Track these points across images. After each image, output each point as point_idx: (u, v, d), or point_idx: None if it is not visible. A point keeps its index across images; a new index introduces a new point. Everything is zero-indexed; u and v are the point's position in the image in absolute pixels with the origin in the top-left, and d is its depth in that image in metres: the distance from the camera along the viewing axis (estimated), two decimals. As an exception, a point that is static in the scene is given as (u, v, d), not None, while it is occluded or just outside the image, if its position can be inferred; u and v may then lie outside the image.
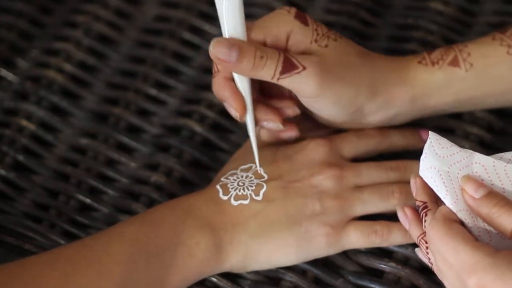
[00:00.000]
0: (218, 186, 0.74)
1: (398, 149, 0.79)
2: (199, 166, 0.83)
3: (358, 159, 0.77)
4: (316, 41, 0.71)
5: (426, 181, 0.68)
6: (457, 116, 0.83)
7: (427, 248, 0.68)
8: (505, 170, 0.67)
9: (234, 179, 0.74)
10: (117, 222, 0.75)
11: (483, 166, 0.67)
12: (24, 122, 0.86)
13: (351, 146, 0.77)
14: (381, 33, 0.90)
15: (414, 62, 0.74)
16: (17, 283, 0.65)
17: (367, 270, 0.74)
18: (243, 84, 0.72)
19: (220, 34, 0.91)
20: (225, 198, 0.73)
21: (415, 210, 0.71)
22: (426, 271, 0.73)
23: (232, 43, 0.69)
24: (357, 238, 0.73)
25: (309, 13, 0.92)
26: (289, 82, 0.70)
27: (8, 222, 0.78)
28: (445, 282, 0.66)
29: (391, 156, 0.79)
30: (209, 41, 0.89)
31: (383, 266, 0.74)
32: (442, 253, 0.64)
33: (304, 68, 0.69)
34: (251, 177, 0.74)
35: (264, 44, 0.71)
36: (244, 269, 0.73)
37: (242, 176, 0.75)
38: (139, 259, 0.68)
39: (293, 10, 0.72)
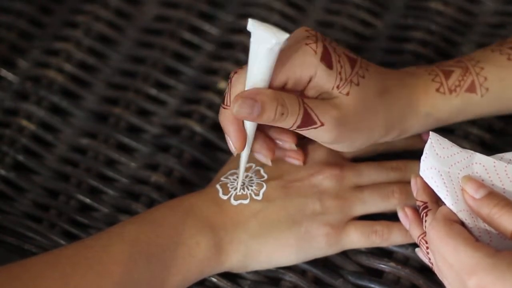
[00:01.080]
0: (218, 186, 0.74)
1: (399, 149, 0.79)
2: (199, 166, 0.83)
3: (358, 159, 0.77)
4: (338, 87, 0.69)
5: (427, 181, 0.68)
6: (457, 116, 0.83)
7: (427, 248, 0.68)
8: (505, 171, 0.67)
9: (234, 179, 0.74)
10: (117, 222, 0.75)
11: (483, 166, 0.67)
12: (24, 122, 0.86)
13: (351, 146, 0.77)
14: (381, 33, 0.90)
15: (432, 89, 0.73)
16: (17, 283, 0.65)
17: (367, 270, 0.75)
18: (251, 124, 0.70)
19: (219, 35, 0.91)
20: (225, 197, 0.73)
21: (416, 210, 0.71)
22: (426, 271, 0.73)
23: (255, 100, 0.66)
24: (357, 238, 0.73)
25: (309, 13, 0.92)
26: (305, 133, 0.69)
27: (8, 222, 0.78)
28: (445, 282, 0.66)
29: (392, 156, 0.79)
30: (209, 41, 0.91)
31: (383, 266, 0.74)
32: (443, 254, 0.64)
33: (322, 124, 0.68)
34: (251, 177, 0.74)
35: (285, 85, 0.68)
36: (244, 269, 0.73)
37: (242, 176, 0.75)
38: (140, 259, 0.68)
39: (320, 51, 0.68)
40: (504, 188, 0.67)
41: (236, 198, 0.73)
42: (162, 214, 0.72)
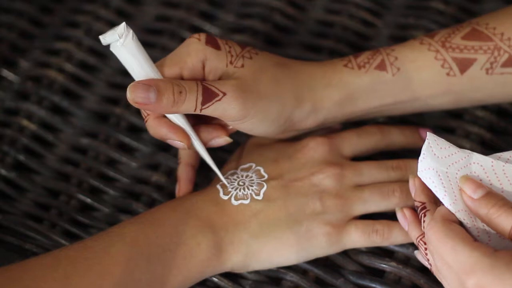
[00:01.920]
0: (218, 186, 0.74)
1: (398, 148, 0.79)
2: (199, 166, 0.82)
3: (358, 158, 0.77)
4: (231, 63, 0.70)
5: (425, 182, 0.68)
6: (458, 115, 0.83)
7: (426, 249, 0.68)
8: (503, 170, 0.67)
9: (234, 179, 0.74)
10: (118, 221, 0.75)
11: (481, 166, 0.67)
12: (25, 122, 0.86)
13: (351, 145, 0.77)
14: (382, 33, 0.90)
15: (340, 65, 0.74)
16: (18, 284, 0.65)
17: (368, 270, 0.74)
18: (176, 116, 0.71)
19: (220, 35, 0.91)
20: (226, 198, 0.73)
21: (414, 211, 0.71)
22: (427, 271, 0.73)
23: (148, 84, 0.68)
24: (358, 237, 0.73)
25: (310, 12, 0.92)
26: (213, 110, 0.69)
27: (9, 221, 0.78)
28: (444, 283, 0.66)
29: (392, 155, 0.79)
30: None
31: (384, 265, 0.74)
32: (441, 254, 0.64)
33: (224, 94, 0.68)
34: (251, 177, 0.74)
35: (181, 77, 0.70)
36: (245, 269, 0.73)
37: (242, 176, 0.75)
38: (140, 259, 0.68)
39: (203, 37, 0.71)
40: (502, 188, 0.67)
41: (237, 198, 0.73)
42: (162, 214, 0.72)
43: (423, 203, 0.69)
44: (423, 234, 0.69)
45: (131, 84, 0.68)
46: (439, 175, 0.67)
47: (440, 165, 0.67)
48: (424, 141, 0.78)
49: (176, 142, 0.71)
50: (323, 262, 0.74)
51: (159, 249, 0.69)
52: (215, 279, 0.73)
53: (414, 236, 0.70)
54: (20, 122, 0.86)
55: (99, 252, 0.68)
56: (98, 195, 0.81)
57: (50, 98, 0.87)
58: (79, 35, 0.91)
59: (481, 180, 0.67)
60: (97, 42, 0.91)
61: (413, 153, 0.79)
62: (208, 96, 0.68)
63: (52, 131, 0.86)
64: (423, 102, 0.75)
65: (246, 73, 0.70)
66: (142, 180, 0.82)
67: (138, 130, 0.85)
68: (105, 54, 0.90)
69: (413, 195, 0.71)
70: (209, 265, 0.71)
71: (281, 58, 0.74)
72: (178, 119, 0.71)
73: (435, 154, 0.68)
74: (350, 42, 0.89)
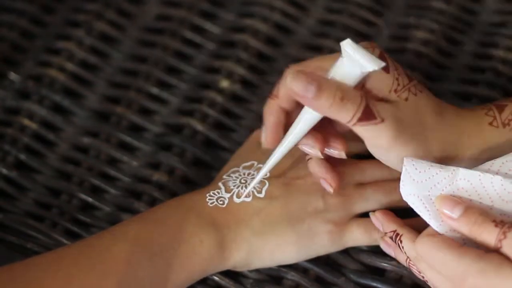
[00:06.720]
0: (220, 184, 0.74)
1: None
2: (201, 164, 0.83)
3: (360, 157, 0.77)
4: (396, 91, 0.67)
5: (411, 206, 0.67)
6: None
7: (418, 270, 0.68)
8: (492, 183, 0.65)
9: (236, 177, 0.75)
10: (119, 221, 0.75)
11: (469, 181, 0.66)
12: (26, 121, 0.86)
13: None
14: (383, 32, 0.90)
15: (485, 123, 0.70)
16: (21, 283, 0.65)
17: (369, 269, 0.75)
18: (302, 126, 0.68)
19: (221, 34, 0.92)
20: (228, 195, 0.73)
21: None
22: (428, 269, 0.73)
23: (312, 78, 0.64)
24: (360, 235, 0.73)
25: (311, 12, 0.92)
26: (363, 131, 0.66)
27: (11, 221, 0.78)
28: None
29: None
30: (210, 40, 0.91)
31: (385, 264, 0.74)
32: (433, 267, 0.64)
33: (382, 121, 0.65)
34: (253, 175, 0.74)
35: None
36: (247, 266, 0.73)
37: (244, 174, 0.75)
38: (143, 258, 0.68)
39: (377, 52, 0.67)
40: (492, 202, 0.65)
41: (239, 196, 0.73)
42: (164, 213, 0.72)
43: (394, 231, 0.69)
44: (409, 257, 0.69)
45: (295, 72, 0.64)
46: (421, 200, 0.66)
47: (420, 190, 0.66)
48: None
49: (262, 136, 0.70)
50: (324, 261, 0.75)
51: (161, 247, 0.69)
52: (216, 278, 0.73)
53: (402, 259, 0.70)
54: (21, 121, 0.86)
55: (102, 251, 0.68)
56: (99, 194, 0.81)
57: (51, 97, 0.87)
58: (80, 34, 0.91)
59: (469, 195, 0.66)
60: (99, 41, 0.91)
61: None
62: (367, 115, 0.65)
63: (53, 130, 0.86)
64: None
65: (408, 109, 0.67)
66: (143, 179, 0.82)
67: (139, 129, 0.85)
68: (106, 53, 0.91)
69: (381, 229, 0.71)
70: (212, 262, 0.71)
71: (438, 105, 0.69)
72: (299, 128, 0.68)
73: (414, 180, 0.66)
74: (351, 42, 0.89)
